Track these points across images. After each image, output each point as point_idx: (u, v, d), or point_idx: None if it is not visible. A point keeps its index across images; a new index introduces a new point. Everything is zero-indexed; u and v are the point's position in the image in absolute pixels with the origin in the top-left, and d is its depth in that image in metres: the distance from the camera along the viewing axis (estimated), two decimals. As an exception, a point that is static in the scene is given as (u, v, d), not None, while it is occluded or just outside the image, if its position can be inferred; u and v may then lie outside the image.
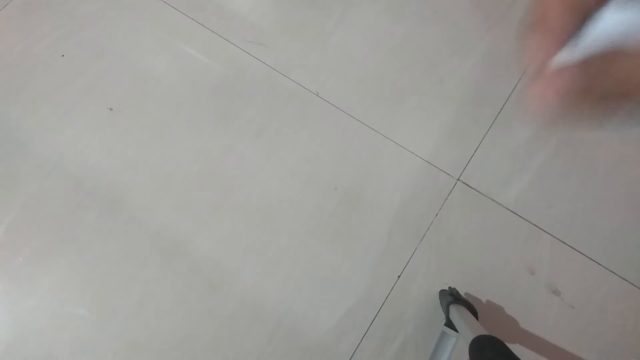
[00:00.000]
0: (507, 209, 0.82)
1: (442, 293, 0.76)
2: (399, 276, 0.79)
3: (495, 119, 0.87)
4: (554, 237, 0.81)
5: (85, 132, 0.84)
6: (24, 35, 0.90)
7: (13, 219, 0.79)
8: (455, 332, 0.69)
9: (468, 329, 0.62)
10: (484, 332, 0.60)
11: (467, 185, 0.83)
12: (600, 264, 0.79)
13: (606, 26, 0.17)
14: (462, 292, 0.77)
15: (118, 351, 0.74)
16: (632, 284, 0.78)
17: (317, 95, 0.88)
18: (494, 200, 0.82)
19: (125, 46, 0.90)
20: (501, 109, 0.88)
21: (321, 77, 0.90)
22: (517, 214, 0.82)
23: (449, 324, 0.70)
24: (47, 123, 0.84)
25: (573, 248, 0.80)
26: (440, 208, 0.82)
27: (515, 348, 0.75)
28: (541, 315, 0.77)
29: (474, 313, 0.70)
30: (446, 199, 0.83)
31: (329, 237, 0.81)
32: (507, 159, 0.85)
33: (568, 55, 0.17)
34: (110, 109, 0.86)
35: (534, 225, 0.81)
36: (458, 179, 0.84)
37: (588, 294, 0.78)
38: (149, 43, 0.91)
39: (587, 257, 0.80)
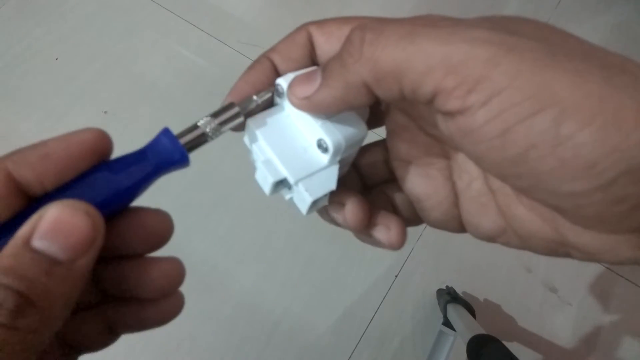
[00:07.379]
0: (504, 207, 0.82)
1: (440, 292, 0.76)
2: (396, 276, 0.79)
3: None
4: (551, 234, 0.81)
5: (80, 136, 0.84)
6: (17, 39, 0.89)
7: (8, 223, 0.78)
8: (453, 331, 0.69)
9: (466, 328, 0.62)
10: (481, 331, 0.60)
11: (464, 184, 0.84)
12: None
13: None
14: (459, 291, 0.77)
15: (115, 355, 0.73)
16: (629, 280, 0.79)
17: (313, 95, 0.88)
18: (490, 199, 0.82)
19: (119, 49, 0.90)
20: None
21: (316, 78, 0.89)
22: (513, 212, 0.82)
23: (447, 323, 0.70)
24: (41, 127, 0.84)
25: (570, 245, 0.80)
26: (437, 207, 0.82)
27: (513, 346, 0.76)
28: (538, 313, 0.77)
29: (472, 312, 0.70)
30: (443, 198, 0.83)
31: (326, 237, 0.81)
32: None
33: None
34: (105, 112, 0.86)
35: (531, 223, 0.81)
36: (454, 178, 0.84)
37: (585, 291, 0.79)
38: (143, 45, 0.91)
39: (584, 254, 0.80)
